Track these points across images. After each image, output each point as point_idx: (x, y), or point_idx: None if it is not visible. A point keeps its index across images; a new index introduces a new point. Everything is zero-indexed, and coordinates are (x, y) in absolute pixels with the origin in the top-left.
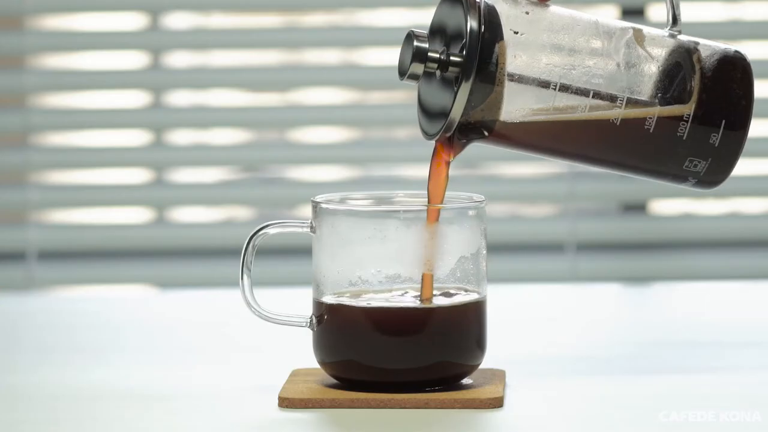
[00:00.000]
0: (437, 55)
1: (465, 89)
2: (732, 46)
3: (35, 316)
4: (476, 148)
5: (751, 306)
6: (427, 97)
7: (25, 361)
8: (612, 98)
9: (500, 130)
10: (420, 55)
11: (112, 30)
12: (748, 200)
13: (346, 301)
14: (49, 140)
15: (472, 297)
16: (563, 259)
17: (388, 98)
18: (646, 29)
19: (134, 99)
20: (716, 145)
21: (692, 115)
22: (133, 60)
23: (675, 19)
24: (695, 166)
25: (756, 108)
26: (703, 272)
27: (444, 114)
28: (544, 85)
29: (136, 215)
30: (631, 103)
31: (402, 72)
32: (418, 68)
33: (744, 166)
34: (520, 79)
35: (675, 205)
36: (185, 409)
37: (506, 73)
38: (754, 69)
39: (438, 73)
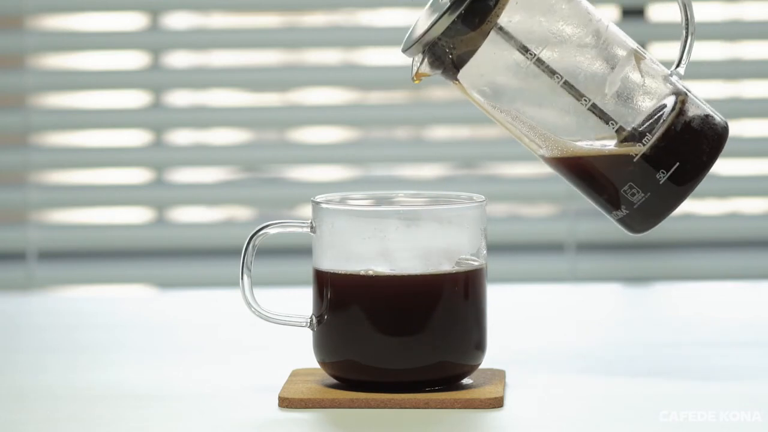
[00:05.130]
0: None
1: (453, 12)
2: (720, 116)
3: (35, 316)
4: (476, 147)
5: (751, 306)
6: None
7: (26, 361)
8: (578, 95)
9: (462, 78)
10: None
11: (112, 30)
12: (748, 200)
13: (347, 269)
14: (49, 140)
15: (474, 265)
16: (563, 259)
17: (388, 98)
18: (649, 56)
19: (134, 99)
20: (660, 183)
21: (654, 143)
22: (133, 60)
23: (679, 62)
24: (633, 195)
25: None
26: (703, 272)
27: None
28: (523, 50)
29: (136, 215)
30: (596, 109)
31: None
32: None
33: (744, 166)
34: (504, 32)
35: None
36: (185, 409)
37: (497, 21)
38: (754, 68)
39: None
